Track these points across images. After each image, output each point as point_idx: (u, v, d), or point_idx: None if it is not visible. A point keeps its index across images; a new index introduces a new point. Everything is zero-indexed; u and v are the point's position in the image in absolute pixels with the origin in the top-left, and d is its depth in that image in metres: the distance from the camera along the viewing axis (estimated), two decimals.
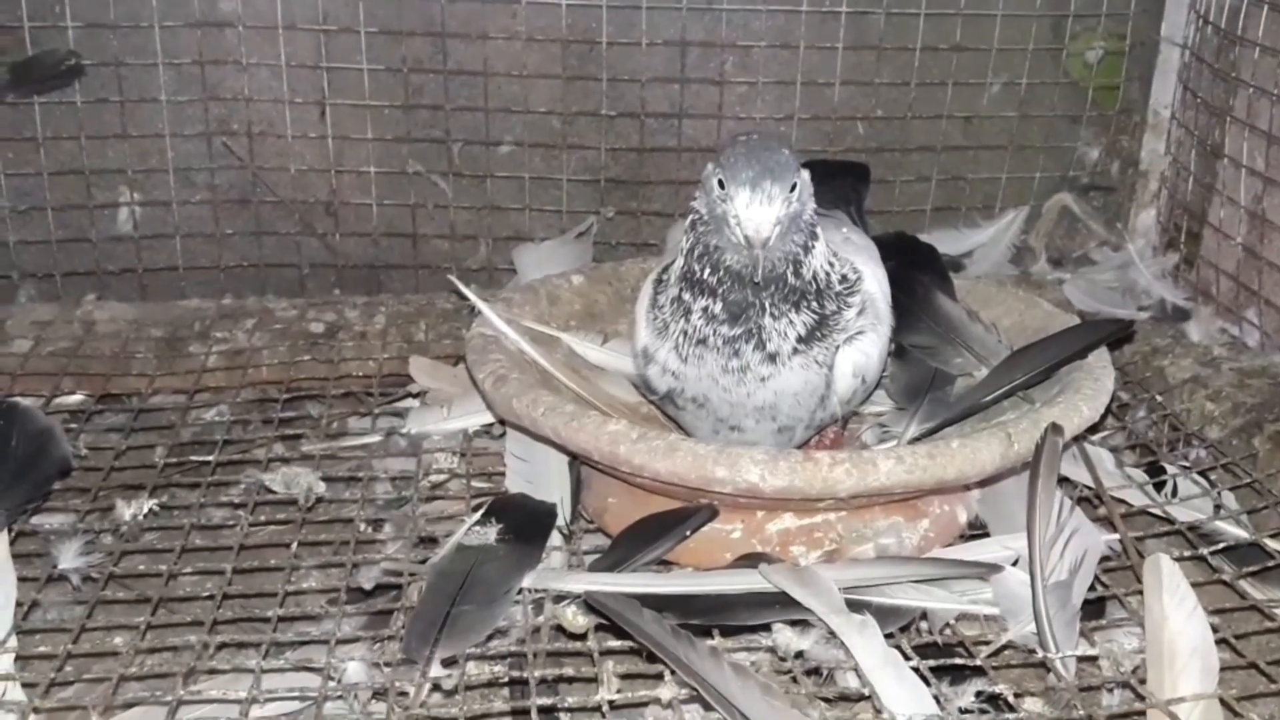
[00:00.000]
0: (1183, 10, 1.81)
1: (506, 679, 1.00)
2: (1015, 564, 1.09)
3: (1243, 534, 1.22)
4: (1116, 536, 1.18)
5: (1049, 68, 1.85)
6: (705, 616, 1.04)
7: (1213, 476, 1.36)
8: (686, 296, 1.15)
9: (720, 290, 1.12)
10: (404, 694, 0.96)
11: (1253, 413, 1.44)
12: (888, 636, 1.00)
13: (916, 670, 0.98)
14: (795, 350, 1.14)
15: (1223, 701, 0.95)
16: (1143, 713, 0.96)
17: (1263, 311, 1.62)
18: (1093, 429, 1.25)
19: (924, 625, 1.06)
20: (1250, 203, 1.64)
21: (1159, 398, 1.54)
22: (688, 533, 1.14)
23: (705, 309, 1.13)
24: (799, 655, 1.01)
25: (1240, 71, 1.64)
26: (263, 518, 1.26)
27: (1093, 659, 1.02)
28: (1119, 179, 1.93)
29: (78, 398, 1.52)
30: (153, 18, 1.67)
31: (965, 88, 1.83)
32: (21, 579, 1.09)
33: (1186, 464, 1.39)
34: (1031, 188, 1.90)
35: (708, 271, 1.13)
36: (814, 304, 1.14)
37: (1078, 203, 1.91)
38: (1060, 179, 1.92)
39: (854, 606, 1.02)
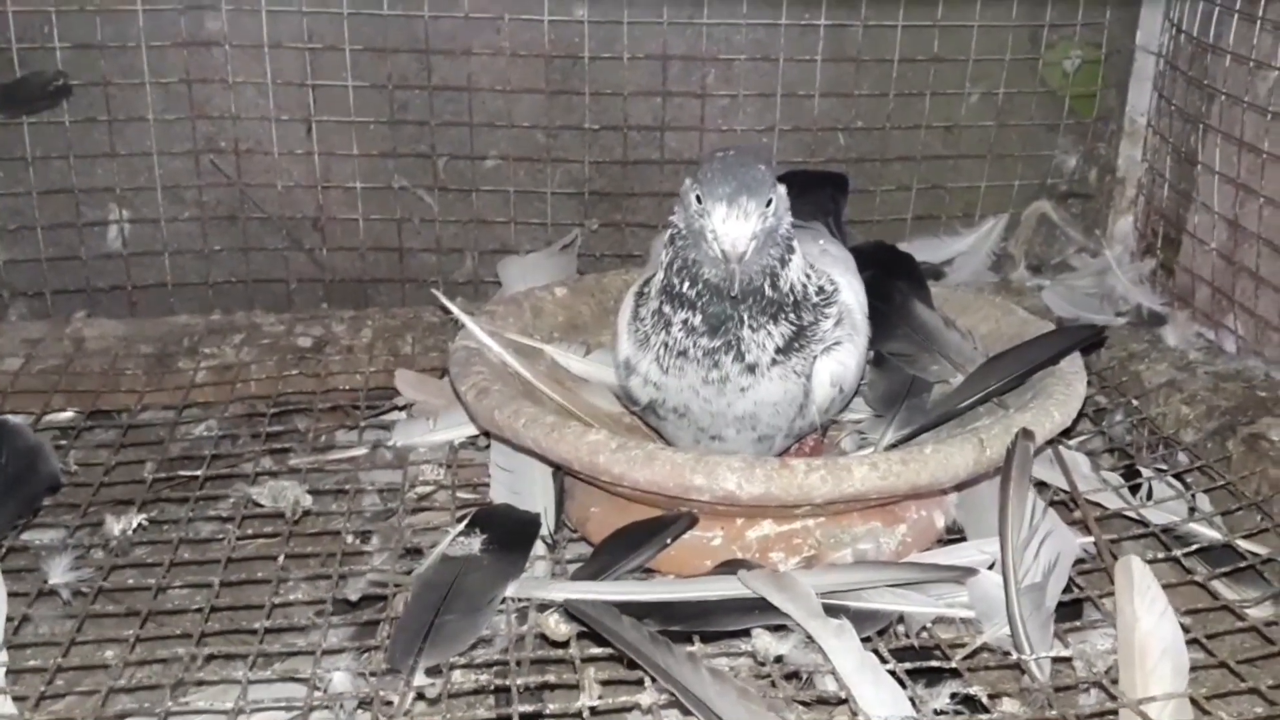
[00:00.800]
0: (1158, 19, 1.82)
1: (491, 687, 1.01)
2: (991, 567, 1.10)
3: (1216, 536, 1.24)
4: (1091, 539, 1.20)
5: (1026, 77, 1.87)
6: (686, 623, 1.05)
7: (1188, 479, 1.38)
8: (667, 309, 1.16)
9: (699, 303, 1.14)
10: (389, 703, 0.97)
11: (1227, 416, 1.46)
12: (865, 640, 1.01)
13: (893, 673, 0.99)
14: (774, 361, 1.15)
15: (1193, 700, 0.96)
16: (1116, 712, 0.97)
17: (1239, 317, 1.63)
18: (1068, 433, 1.27)
19: (901, 629, 1.08)
20: (1227, 209, 1.65)
21: (1135, 402, 1.55)
22: (668, 540, 1.15)
23: (685, 321, 1.15)
24: (778, 660, 1.02)
25: (1214, 79, 1.66)
26: (250, 531, 1.27)
27: (1067, 660, 1.03)
28: (1096, 186, 1.95)
29: (68, 414, 1.53)
30: (140, 38, 1.68)
31: (944, 98, 1.85)
32: (12, 594, 1.10)
33: (1163, 467, 1.41)
34: (1010, 195, 1.92)
35: (686, 285, 1.14)
36: (791, 315, 1.16)
37: (1056, 210, 1.92)
38: (1039, 187, 1.93)
39: (832, 611, 1.03)
